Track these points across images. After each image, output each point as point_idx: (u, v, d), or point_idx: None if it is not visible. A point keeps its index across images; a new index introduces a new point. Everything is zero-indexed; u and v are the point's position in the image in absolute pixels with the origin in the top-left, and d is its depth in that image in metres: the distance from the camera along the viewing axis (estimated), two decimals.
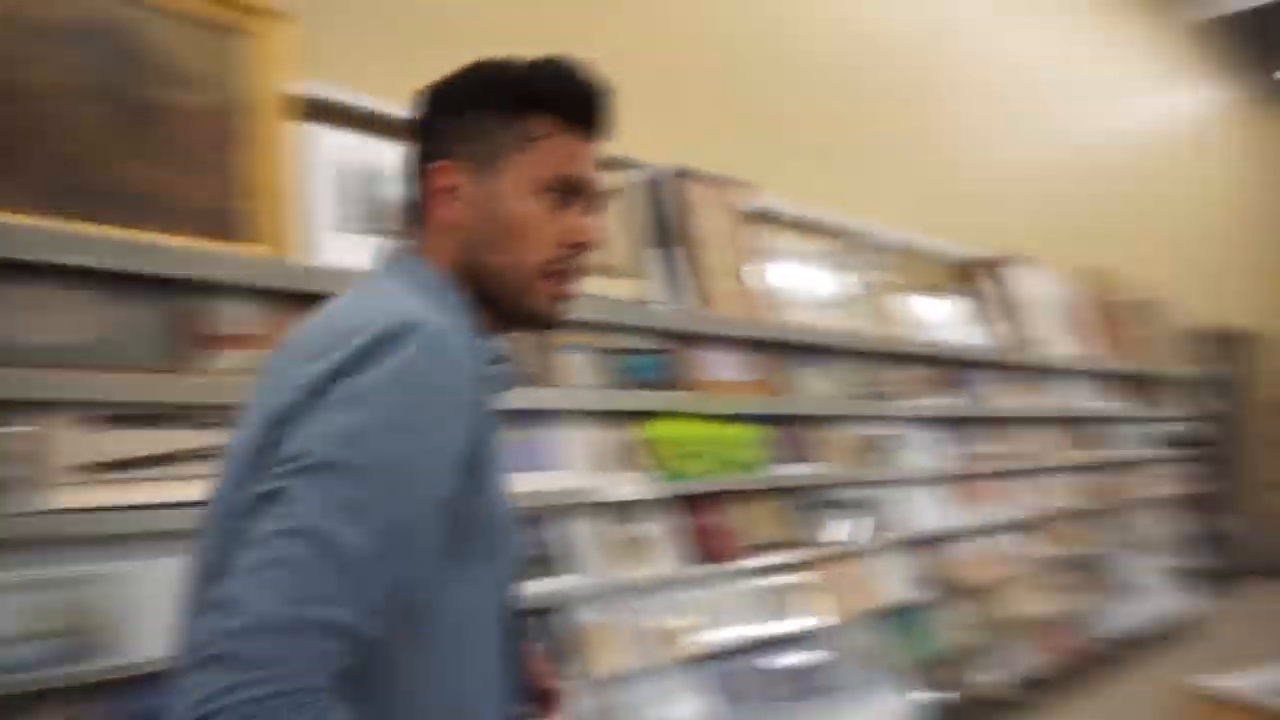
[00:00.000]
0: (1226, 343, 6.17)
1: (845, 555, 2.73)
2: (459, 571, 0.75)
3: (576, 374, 2.07)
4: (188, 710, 0.57)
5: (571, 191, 0.84)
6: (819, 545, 2.63)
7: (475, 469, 0.74)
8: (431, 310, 0.75)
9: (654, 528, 2.22)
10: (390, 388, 0.68)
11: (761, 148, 2.88)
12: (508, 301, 0.84)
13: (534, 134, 0.82)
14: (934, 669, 2.99)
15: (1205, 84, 6.16)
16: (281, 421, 0.69)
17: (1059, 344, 3.88)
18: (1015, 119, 4.18)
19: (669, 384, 2.27)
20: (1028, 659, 3.43)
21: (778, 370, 2.60)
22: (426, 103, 0.85)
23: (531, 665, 0.98)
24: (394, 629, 0.69)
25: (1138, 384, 4.66)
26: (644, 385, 2.21)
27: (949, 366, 3.27)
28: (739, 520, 2.45)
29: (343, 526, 0.63)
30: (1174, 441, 4.84)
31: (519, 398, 1.90)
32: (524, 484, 1.93)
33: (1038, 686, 3.56)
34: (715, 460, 2.35)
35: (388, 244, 0.88)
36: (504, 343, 0.88)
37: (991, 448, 3.44)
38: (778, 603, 2.49)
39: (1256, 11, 5.99)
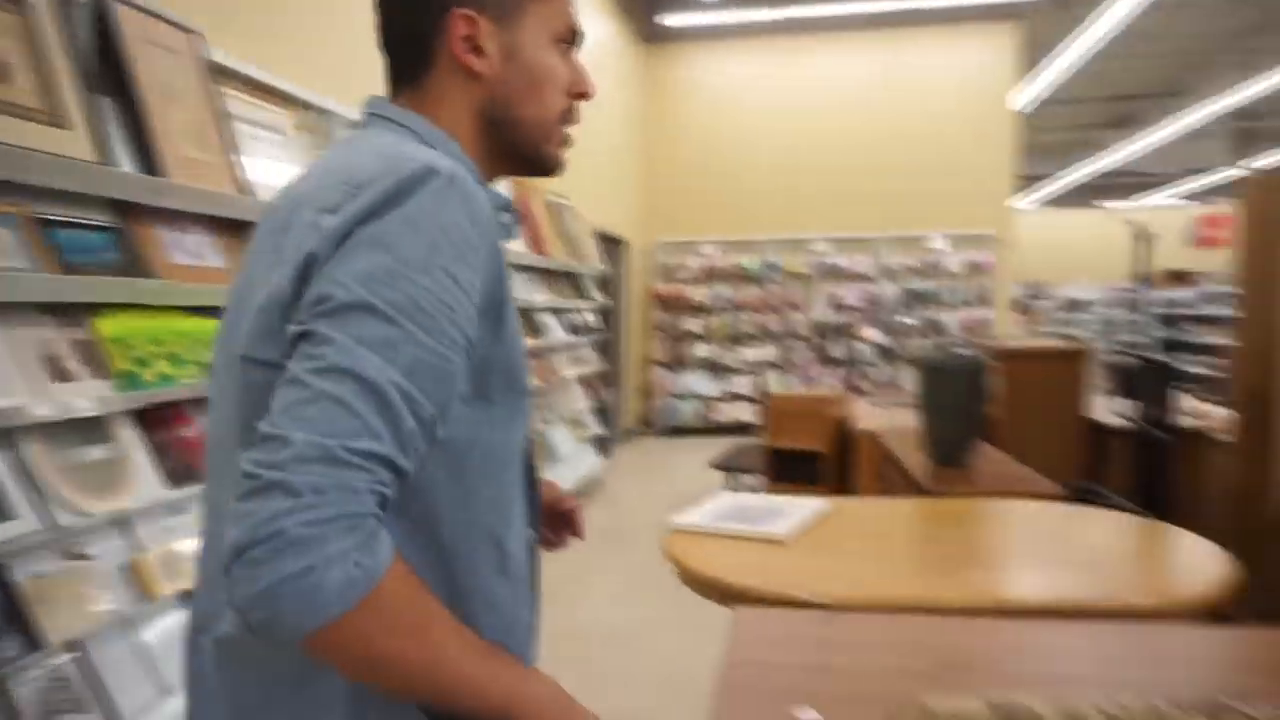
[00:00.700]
0: (611, 245, 7.32)
1: None
2: (486, 411, 0.75)
3: None
4: (244, 534, 0.57)
5: (574, 42, 0.87)
6: None
7: (496, 311, 0.73)
8: (441, 157, 0.72)
9: (119, 447, 1.78)
10: (411, 230, 0.66)
11: None
12: (528, 150, 0.85)
13: None
14: None
15: (606, 20, 7.02)
16: (304, 274, 0.67)
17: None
18: None
19: (124, 269, 1.81)
20: None
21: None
22: None
23: (547, 492, 1.03)
24: (431, 465, 0.70)
25: (559, 278, 5.25)
26: (92, 270, 1.72)
27: None
28: None
29: (376, 364, 0.62)
30: (582, 329, 5.61)
31: None
32: None
33: None
34: (188, 361, 1.96)
35: (380, 97, 0.84)
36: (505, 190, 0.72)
37: None
38: None
39: None
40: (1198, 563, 1.97)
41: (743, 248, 8.36)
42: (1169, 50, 11.64)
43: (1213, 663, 1.37)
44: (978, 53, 7.92)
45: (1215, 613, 1.76)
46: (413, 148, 0.73)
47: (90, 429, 1.73)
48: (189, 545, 1.90)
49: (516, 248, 4.28)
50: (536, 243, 4.53)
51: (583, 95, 0.87)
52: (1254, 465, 3.35)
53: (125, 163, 1.79)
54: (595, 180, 6.83)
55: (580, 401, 5.34)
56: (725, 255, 8.40)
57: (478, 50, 0.80)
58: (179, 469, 1.91)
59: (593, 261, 5.80)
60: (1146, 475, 3.15)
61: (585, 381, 5.51)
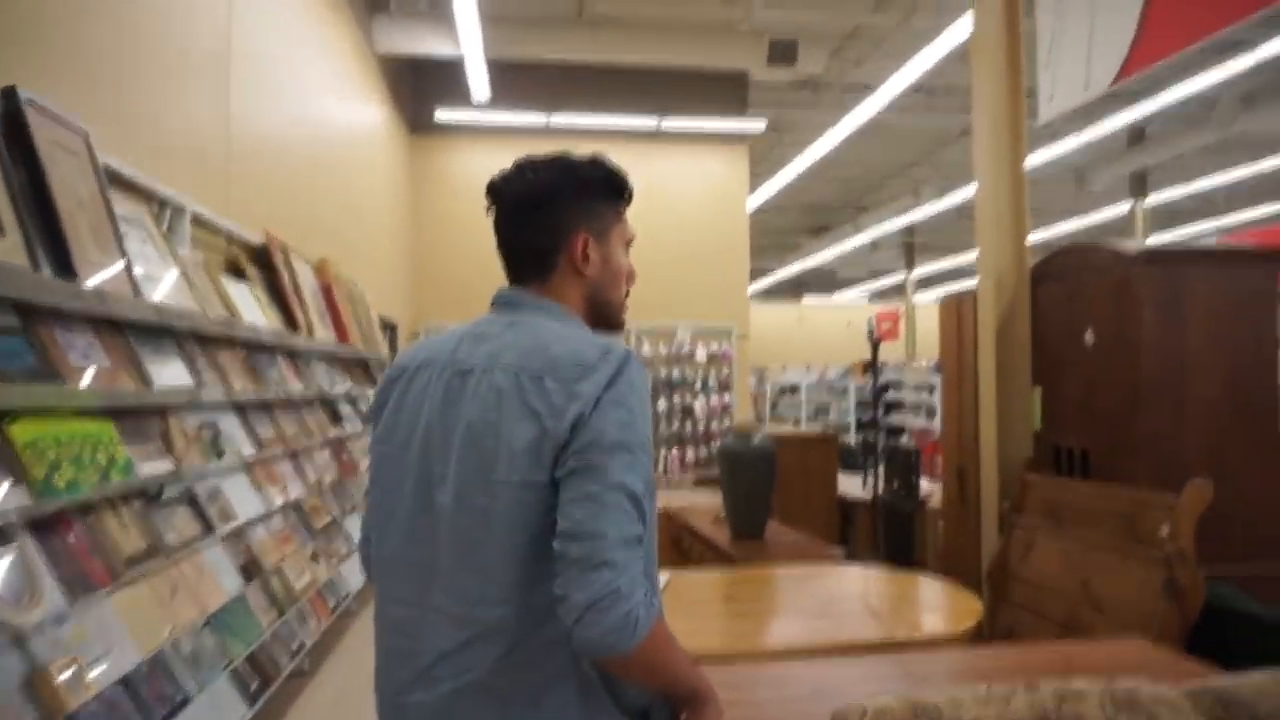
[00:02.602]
0: (386, 329, 7.33)
1: (188, 555, 2.51)
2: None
3: None
4: (593, 594, 0.93)
5: (630, 244, 1.31)
6: (172, 549, 2.37)
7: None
8: (618, 341, 1.15)
9: (25, 558, 1.72)
10: (631, 391, 1.06)
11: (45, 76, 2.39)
12: (611, 317, 1.27)
13: (619, 212, 1.26)
14: (257, 657, 2.96)
15: (376, 109, 7.16)
16: (574, 425, 1.02)
17: (317, 329, 4.16)
18: (262, 102, 4.24)
19: (38, 374, 1.78)
20: (309, 628, 3.64)
21: (128, 355, 2.24)
22: (553, 187, 1.18)
23: None
24: None
25: (353, 365, 5.25)
26: (13, 376, 1.69)
27: (253, 350, 3.24)
28: (104, 533, 2.05)
29: (631, 479, 1.00)
30: (368, 418, 5.58)
31: None
32: None
33: (315, 651, 3.81)
34: (91, 464, 1.93)
35: (512, 288, 1.22)
36: None
37: (278, 430, 3.52)
38: (147, 618, 2.17)
39: (418, 61, 7.27)
40: (953, 603, 2.58)
41: None
42: (855, 175, 13.90)
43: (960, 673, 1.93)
44: (718, 167, 9.05)
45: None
46: (586, 331, 1.18)
47: None
48: (86, 657, 1.85)
49: (321, 335, 4.30)
50: (340, 332, 4.56)
51: (633, 280, 1.31)
52: (960, 530, 4.23)
53: (46, 268, 1.79)
54: (373, 265, 6.87)
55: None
56: None
57: (586, 258, 1.20)
58: (72, 578, 1.86)
59: (379, 347, 5.84)
60: (893, 538, 3.87)
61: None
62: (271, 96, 4.27)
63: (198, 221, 3.05)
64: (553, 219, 1.18)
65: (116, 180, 2.43)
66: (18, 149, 1.82)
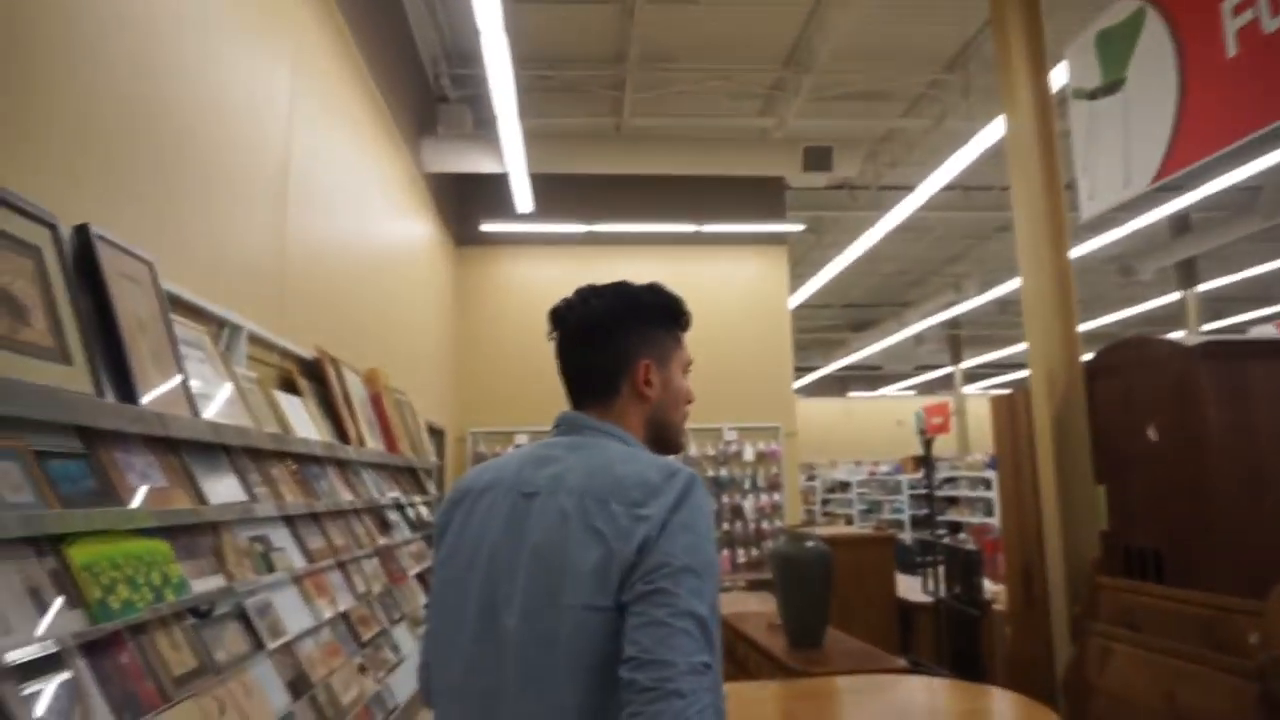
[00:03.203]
0: (433, 435, 7.40)
1: (236, 673, 2.49)
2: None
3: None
4: None
5: (689, 368, 1.35)
6: (221, 667, 2.34)
7: None
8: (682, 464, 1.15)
9: (79, 682, 1.72)
10: (700, 514, 1.06)
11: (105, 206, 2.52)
12: (671, 439, 1.28)
13: (678, 338, 1.31)
14: None
15: (434, 225, 7.44)
16: (642, 548, 1.01)
17: (367, 439, 4.21)
18: (316, 225, 4.44)
19: (99, 496, 1.81)
20: None
21: (184, 473, 2.28)
22: (615, 314, 1.24)
23: None
24: None
25: (402, 474, 5.28)
26: (77, 500, 1.72)
27: (304, 463, 3.28)
28: (155, 652, 2.04)
29: (698, 605, 0.98)
30: (417, 524, 5.58)
31: None
32: None
33: None
34: (145, 584, 1.94)
35: (574, 411, 1.27)
36: None
37: (328, 541, 3.52)
38: None
39: (460, 177, 7.58)
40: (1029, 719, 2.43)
41: None
42: (895, 271, 13.94)
43: None
44: (759, 268, 9.16)
45: None
46: (650, 454, 1.16)
47: (47, 663, 1.67)
48: None
49: (371, 445, 4.34)
50: (389, 441, 4.61)
51: (691, 401, 1.34)
52: (1028, 635, 4.02)
53: (109, 393, 1.85)
54: (420, 372, 7.00)
55: (421, 598, 5.24)
56: None
57: (649, 383, 1.25)
58: (123, 700, 1.84)
59: (428, 455, 5.88)
60: (958, 645, 3.69)
61: (424, 578, 5.43)
62: (326, 219, 4.47)
63: (254, 339, 3.15)
64: (616, 345, 1.22)
65: (179, 304, 2.53)
66: (86, 280, 1.90)
